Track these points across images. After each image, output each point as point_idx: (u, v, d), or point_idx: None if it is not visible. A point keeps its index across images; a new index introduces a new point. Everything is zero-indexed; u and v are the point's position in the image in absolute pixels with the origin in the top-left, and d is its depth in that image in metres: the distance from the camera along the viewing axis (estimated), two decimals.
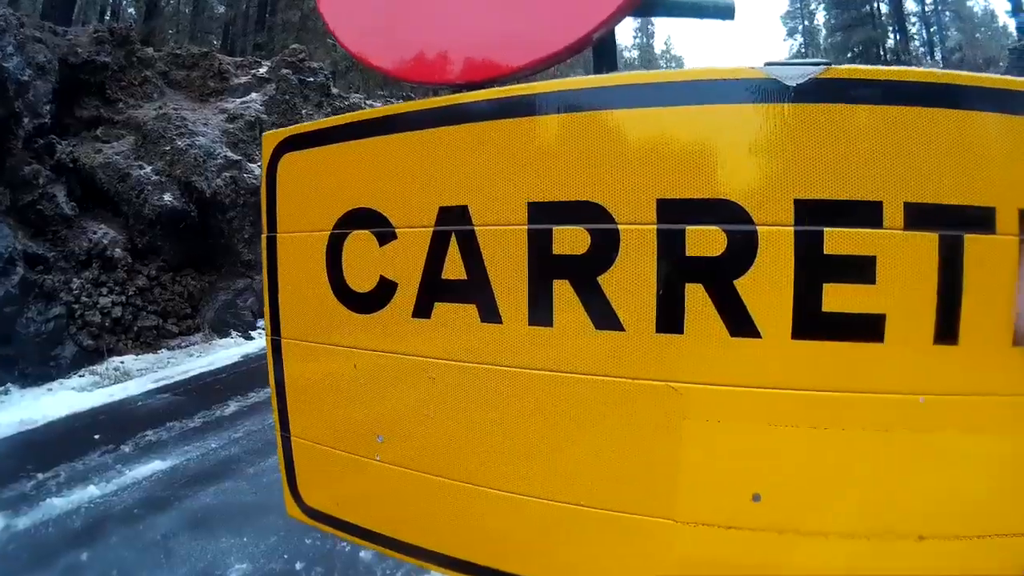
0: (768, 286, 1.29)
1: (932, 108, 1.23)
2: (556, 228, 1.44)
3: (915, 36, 50.10)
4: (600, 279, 1.40)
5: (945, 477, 1.28)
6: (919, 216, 1.23)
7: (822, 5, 57.68)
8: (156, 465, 6.99)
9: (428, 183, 1.59)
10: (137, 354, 11.57)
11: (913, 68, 1.27)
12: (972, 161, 1.23)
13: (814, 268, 1.27)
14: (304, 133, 1.85)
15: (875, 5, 50.36)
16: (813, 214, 1.27)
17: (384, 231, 1.66)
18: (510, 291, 1.50)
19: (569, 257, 1.43)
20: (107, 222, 12.28)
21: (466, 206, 1.54)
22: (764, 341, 1.30)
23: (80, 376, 10.68)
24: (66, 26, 14.81)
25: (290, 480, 1.97)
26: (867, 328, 1.26)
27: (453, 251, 1.55)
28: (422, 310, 1.61)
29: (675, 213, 1.35)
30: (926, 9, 49.42)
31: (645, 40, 73.61)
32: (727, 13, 1.94)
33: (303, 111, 15.43)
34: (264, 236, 1.94)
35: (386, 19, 1.95)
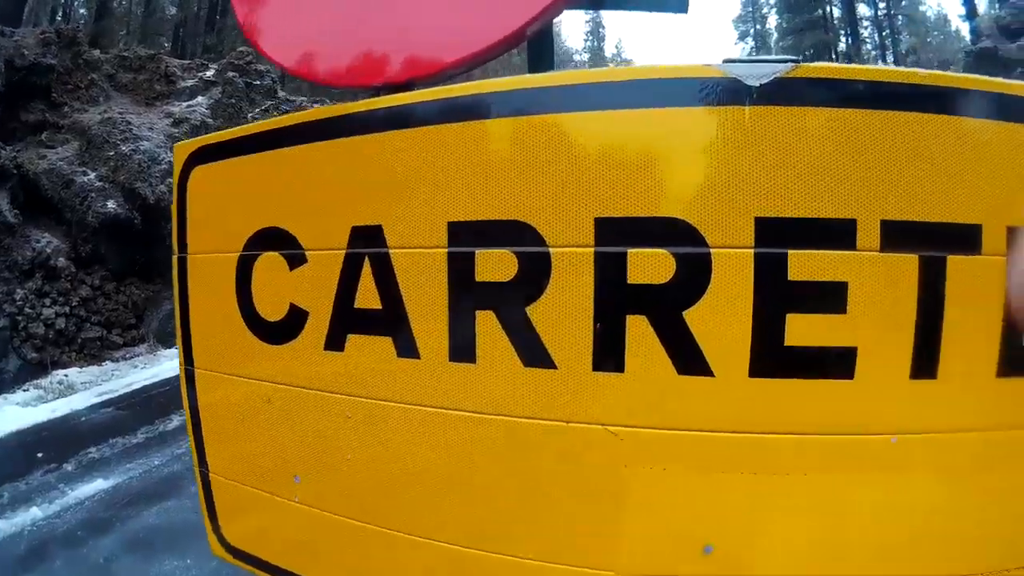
0: (722, 318, 1.17)
1: (914, 113, 1.13)
2: (479, 251, 1.30)
3: (867, 40, 51.03)
4: (529, 310, 1.26)
5: (917, 519, 1.20)
6: (897, 235, 1.13)
7: (774, 9, 58.56)
8: (99, 484, 6.86)
9: (340, 200, 1.46)
10: (81, 367, 11.32)
11: (895, 68, 1.14)
12: (957, 173, 1.14)
13: (776, 296, 1.15)
14: (216, 143, 1.73)
15: (827, 9, 51.26)
16: (776, 234, 1.14)
17: (294, 253, 1.53)
18: (428, 322, 1.36)
19: (494, 284, 1.29)
20: (50, 230, 12.00)
21: (380, 226, 1.39)
22: (717, 380, 1.19)
23: (24, 390, 10.46)
24: (15, 27, 14.41)
25: (211, 516, 1.87)
26: (835, 364, 1.16)
27: (366, 277, 1.42)
28: (334, 342, 1.48)
29: (615, 234, 1.21)
30: (879, 13, 50.32)
31: (596, 44, 73.85)
32: (680, 5, 1.83)
33: (249, 115, 15.12)
34: (175, 257, 1.82)
35: (309, 25, 1.82)
